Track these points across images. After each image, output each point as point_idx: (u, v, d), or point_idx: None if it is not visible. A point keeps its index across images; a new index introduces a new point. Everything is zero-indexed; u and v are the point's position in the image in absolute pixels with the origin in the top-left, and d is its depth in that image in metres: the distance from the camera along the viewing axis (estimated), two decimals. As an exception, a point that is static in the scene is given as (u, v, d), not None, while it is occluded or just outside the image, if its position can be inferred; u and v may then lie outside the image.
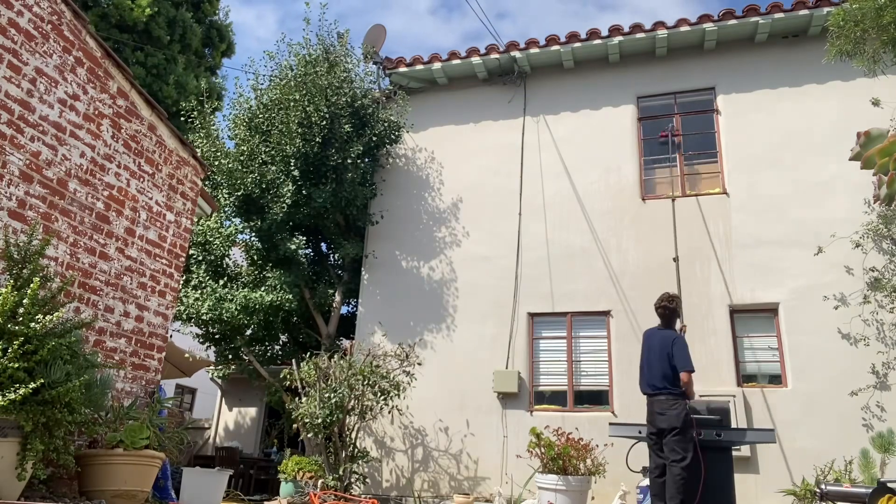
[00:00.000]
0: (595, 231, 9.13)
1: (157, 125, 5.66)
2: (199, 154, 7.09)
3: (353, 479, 7.95)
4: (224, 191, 9.63)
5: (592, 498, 6.78)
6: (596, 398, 8.54)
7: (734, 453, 5.96)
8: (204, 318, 9.29)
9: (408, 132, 10.46)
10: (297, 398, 7.98)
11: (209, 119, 10.11)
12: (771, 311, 8.24)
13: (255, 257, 10.14)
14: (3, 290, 3.39)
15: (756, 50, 9.31)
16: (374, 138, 9.87)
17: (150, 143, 5.56)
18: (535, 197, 9.59)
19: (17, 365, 3.19)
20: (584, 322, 8.87)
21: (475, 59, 10.07)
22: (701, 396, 7.20)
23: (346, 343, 10.02)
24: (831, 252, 8.00)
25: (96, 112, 4.98)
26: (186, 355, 10.13)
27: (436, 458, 8.72)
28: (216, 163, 9.55)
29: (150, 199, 5.54)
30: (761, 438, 6.24)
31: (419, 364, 8.40)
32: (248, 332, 10.08)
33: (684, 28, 9.24)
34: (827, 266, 8.04)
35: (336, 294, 10.17)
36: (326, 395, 7.62)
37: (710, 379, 7.89)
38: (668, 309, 5.83)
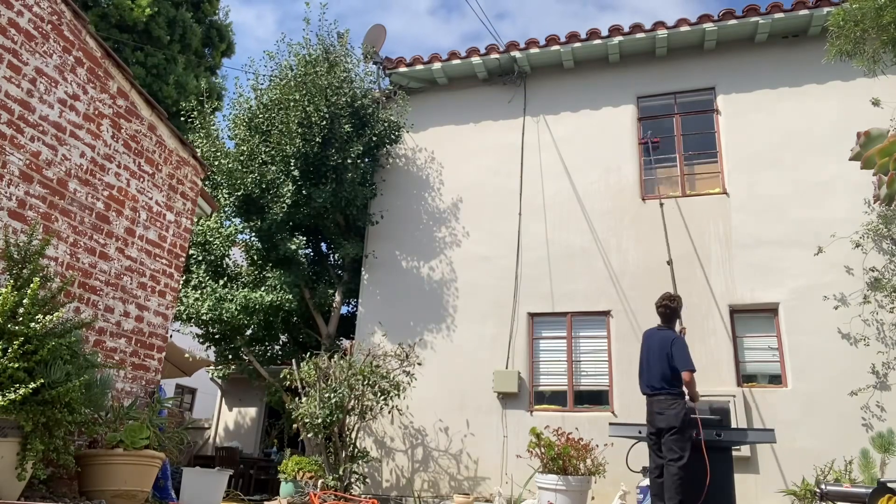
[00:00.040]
0: (595, 231, 9.13)
1: (157, 125, 5.66)
2: (199, 154, 7.09)
3: (353, 479, 7.95)
4: (224, 191, 9.63)
5: (592, 498, 6.78)
6: (596, 398, 8.54)
7: (734, 453, 5.95)
8: (204, 318, 9.29)
9: (408, 132, 10.46)
10: (297, 398, 7.98)
11: (209, 119, 10.11)
12: (771, 311, 8.24)
13: (255, 257, 10.14)
14: (3, 290, 3.39)
15: (756, 50, 9.31)
16: (374, 138, 9.87)
17: (150, 143, 5.56)
18: (535, 197, 9.59)
19: (17, 365, 3.19)
20: (584, 322, 8.87)
21: (475, 59, 10.07)
22: (701, 396, 7.19)
23: (346, 343, 10.02)
24: (831, 252, 8.00)
25: (96, 112, 4.98)
26: (186, 355, 10.13)
27: (436, 458, 8.72)
28: (216, 163, 9.55)
29: (150, 199, 5.54)
30: (761, 438, 6.24)
31: (419, 364, 8.40)
32: (248, 332, 10.08)
33: (684, 28, 9.24)
34: (827, 266, 8.04)
35: (336, 294, 10.17)
36: (326, 395, 7.62)
37: (710, 379, 7.89)
38: (670, 308, 5.82)
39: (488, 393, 8.71)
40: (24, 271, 3.60)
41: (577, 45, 9.68)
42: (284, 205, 9.21)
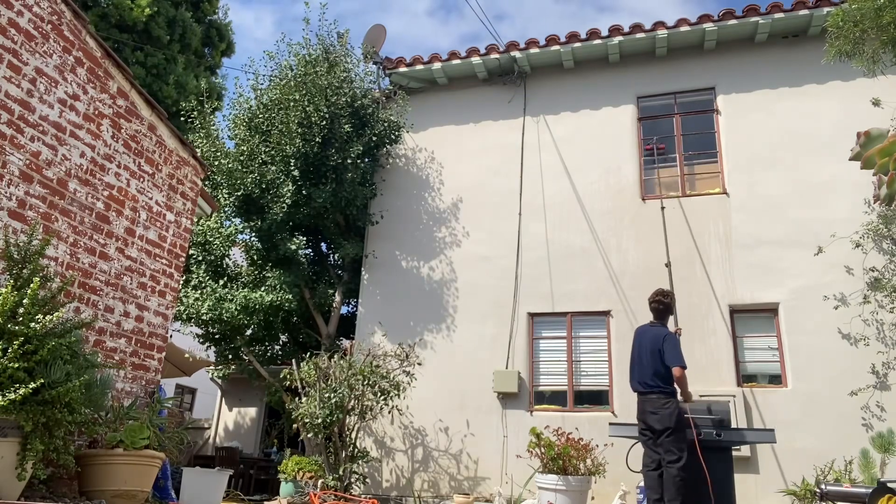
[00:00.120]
0: (595, 231, 9.13)
1: (157, 125, 5.66)
2: (199, 154, 7.09)
3: (353, 479, 7.95)
4: (224, 191, 9.63)
5: (592, 498, 6.78)
6: (596, 398, 8.54)
7: (734, 453, 5.95)
8: (204, 318, 9.29)
9: (408, 132, 10.46)
10: (297, 398, 7.98)
11: (209, 119, 10.11)
12: (771, 311, 8.24)
13: (255, 257, 10.13)
14: (3, 290, 3.39)
15: (756, 50, 9.31)
16: (374, 138, 9.87)
17: (150, 143, 5.56)
18: (535, 197, 9.59)
19: (17, 365, 3.19)
20: (584, 322, 8.87)
21: (475, 59, 10.07)
22: (701, 396, 7.20)
23: (346, 343, 10.02)
24: (831, 252, 8.00)
25: (96, 112, 4.98)
26: (186, 355, 10.13)
27: (436, 458, 8.72)
28: (216, 163, 9.55)
29: (150, 199, 5.54)
30: (761, 438, 6.24)
31: (419, 364, 8.40)
32: (248, 332, 10.08)
33: (684, 28, 9.24)
34: (827, 266, 8.04)
35: (336, 294, 10.17)
36: (326, 395, 7.62)
37: (710, 379, 7.89)
38: (663, 304, 5.78)
39: (488, 393, 8.72)
40: (24, 271, 3.60)
41: (577, 45, 9.68)
42: (284, 205, 9.21)
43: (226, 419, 15.24)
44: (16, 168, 4.22)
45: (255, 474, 12.17)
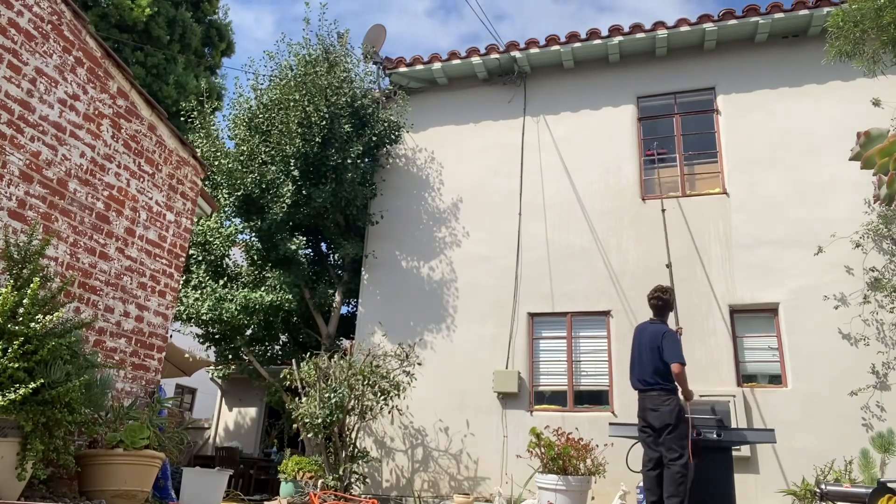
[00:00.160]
0: (595, 231, 9.13)
1: (157, 125, 5.66)
2: (199, 154, 7.09)
3: (353, 479, 7.95)
4: (224, 191, 9.63)
5: (592, 498, 6.78)
6: (596, 398, 8.54)
7: (734, 453, 5.95)
8: (204, 318, 9.29)
9: (408, 132, 10.46)
10: (297, 398, 7.98)
11: (209, 119, 10.11)
12: (771, 311, 8.24)
13: (255, 257, 10.13)
14: (3, 290, 3.39)
15: (756, 50, 9.31)
16: (374, 138, 9.87)
17: (150, 143, 5.56)
18: (535, 197, 9.59)
19: (17, 365, 3.19)
20: (584, 322, 8.87)
21: (475, 59, 10.07)
22: (701, 396, 7.19)
23: (346, 343, 10.02)
24: (831, 252, 8.00)
25: (96, 112, 4.98)
26: (186, 355, 10.13)
27: (436, 458, 8.72)
28: (216, 163, 9.55)
29: (150, 199, 5.54)
30: (761, 438, 6.24)
31: (419, 364, 8.40)
32: (248, 332, 10.08)
33: (684, 28, 9.24)
34: (827, 266, 8.04)
35: (336, 294, 10.17)
36: (326, 395, 7.62)
37: (710, 379, 7.89)
38: (662, 300, 5.74)
39: (488, 393, 8.71)
40: (24, 271, 3.60)
41: (577, 45, 9.68)
42: (284, 205, 9.21)
43: (226, 419, 15.24)
44: (16, 168, 4.23)
45: (255, 474, 12.17)
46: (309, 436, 7.93)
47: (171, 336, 5.90)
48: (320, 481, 7.44)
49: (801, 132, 8.75)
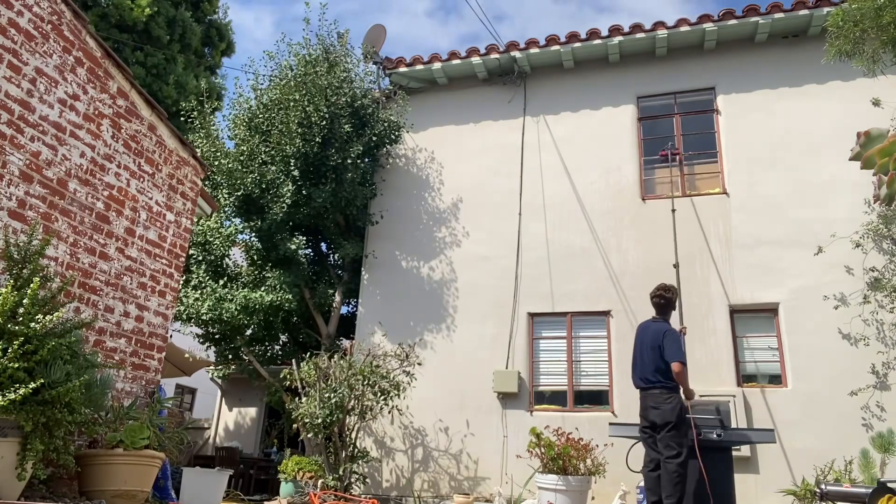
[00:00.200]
0: (595, 231, 9.13)
1: (157, 125, 5.66)
2: (199, 154, 7.09)
3: (353, 479, 7.95)
4: (224, 191, 9.63)
5: (592, 498, 6.78)
6: (596, 398, 8.54)
7: (734, 453, 5.95)
8: (204, 318, 9.29)
9: (408, 132, 10.46)
10: (297, 398, 7.98)
11: (209, 119, 10.11)
12: (771, 311, 8.24)
13: (255, 257, 10.13)
14: (3, 290, 3.39)
15: (756, 50, 9.31)
16: (374, 138, 9.87)
17: (150, 143, 5.56)
18: (535, 197, 9.59)
19: (17, 365, 3.19)
20: (584, 322, 8.87)
21: (475, 59, 10.07)
22: (701, 396, 7.19)
23: (346, 343, 10.02)
24: (831, 252, 8.00)
25: (96, 112, 4.98)
26: (186, 355, 10.13)
27: (436, 458, 8.72)
28: (216, 163, 9.55)
29: (150, 199, 5.54)
30: (761, 438, 6.23)
31: (419, 364, 8.40)
32: (248, 332, 10.08)
33: (684, 28, 9.24)
34: (827, 266, 8.04)
35: (336, 294, 10.17)
36: (326, 395, 7.62)
37: (710, 379, 7.89)
38: (664, 298, 5.72)
39: (488, 393, 8.71)
40: (24, 271, 3.60)
41: (577, 45, 9.68)
42: (284, 205, 9.21)
43: (226, 419, 15.24)
44: (16, 168, 4.23)
45: (255, 474, 12.17)
46: (309, 436, 7.93)
47: (171, 336, 5.90)
48: (320, 481, 7.44)
49: (801, 132, 8.75)
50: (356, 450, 8.04)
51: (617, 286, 8.75)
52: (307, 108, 9.27)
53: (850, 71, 8.24)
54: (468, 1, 36.30)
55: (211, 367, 12.58)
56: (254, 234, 9.93)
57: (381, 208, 10.23)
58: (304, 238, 9.89)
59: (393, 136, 10.12)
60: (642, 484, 6.26)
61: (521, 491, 7.79)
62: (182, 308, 9.22)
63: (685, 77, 9.56)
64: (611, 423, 6.27)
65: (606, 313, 8.74)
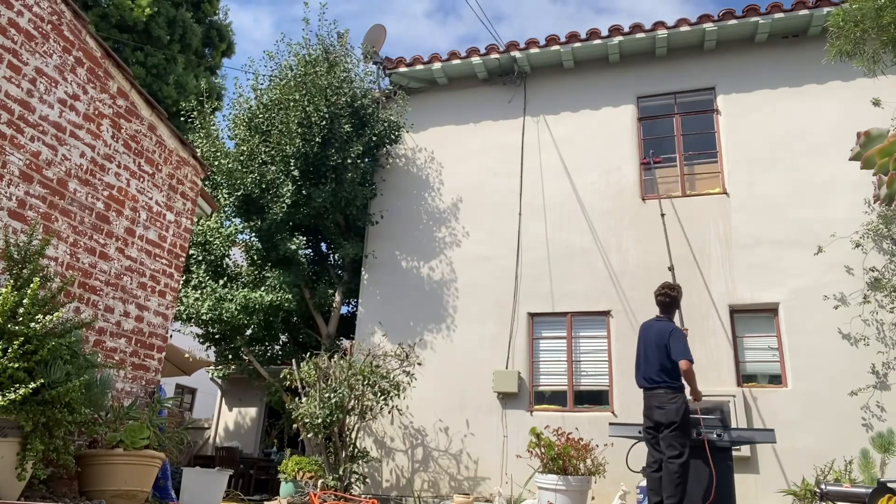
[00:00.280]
0: (595, 231, 9.13)
1: (157, 125, 5.66)
2: (199, 154, 7.09)
3: (353, 479, 7.95)
4: (224, 191, 9.63)
5: (592, 498, 6.78)
6: (596, 398, 8.54)
7: (734, 453, 5.95)
8: (204, 318, 9.29)
9: (408, 132, 10.46)
10: (297, 398, 7.98)
11: (209, 119, 10.11)
12: (771, 311, 8.24)
13: (255, 257, 10.13)
14: (3, 290, 3.39)
15: (756, 50, 9.31)
16: (374, 138, 9.87)
17: (150, 143, 5.56)
18: (535, 197, 9.59)
19: (17, 365, 3.19)
20: (584, 322, 8.87)
21: (475, 59, 10.07)
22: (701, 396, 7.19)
23: (346, 343, 10.02)
24: (831, 252, 8.00)
25: (96, 112, 4.98)
26: (186, 355, 10.13)
27: (436, 458, 8.72)
28: (216, 163, 9.55)
29: (150, 199, 5.54)
30: (762, 438, 6.24)
31: (419, 364, 8.40)
32: (248, 332, 10.08)
33: (684, 28, 9.24)
34: (827, 266, 8.04)
35: (336, 294, 10.17)
36: (326, 395, 7.62)
37: (710, 379, 7.89)
38: (670, 297, 5.66)
39: (488, 393, 8.71)
40: (24, 271, 3.60)
41: (577, 45, 9.68)
42: (284, 205, 9.21)
43: (226, 419, 15.24)
44: (16, 168, 4.23)
45: (255, 474, 12.18)
46: (309, 436, 7.93)
47: (171, 336, 5.90)
48: (320, 481, 7.44)
49: (801, 132, 8.75)
50: (356, 450, 8.04)
51: (617, 286, 8.75)
52: (307, 108, 9.27)
53: (850, 71, 8.24)
54: (468, 1, 36.30)
55: (211, 367, 12.58)
56: (254, 234, 9.93)
57: (381, 208, 10.23)
58: (304, 238, 9.89)
59: (393, 136, 10.12)
60: (642, 484, 6.26)
61: (521, 491, 7.79)
62: (182, 308, 9.22)
63: (685, 77, 9.56)
64: (611, 423, 6.26)
65: (606, 313, 8.74)
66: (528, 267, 9.24)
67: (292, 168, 9.31)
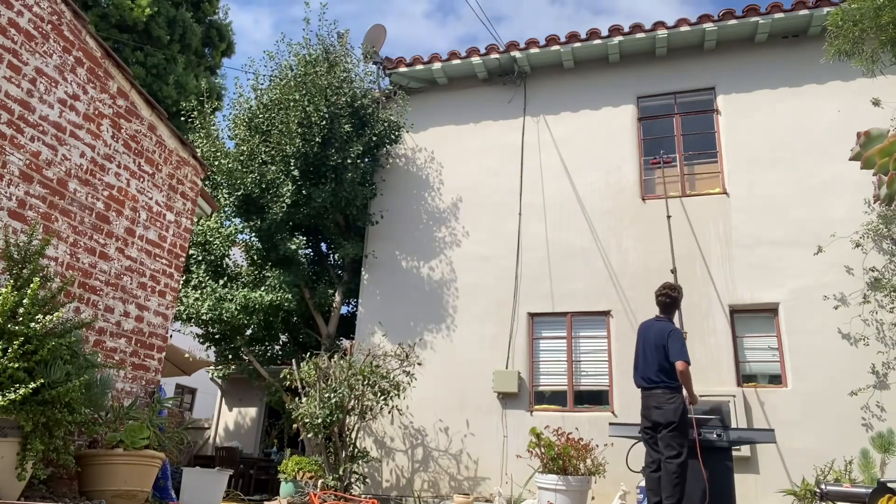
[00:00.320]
0: (595, 231, 9.13)
1: (157, 125, 5.66)
2: (199, 154, 7.09)
3: (353, 479, 7.95)
4: (224, 191, 9.63)
5: (592, 498, 6.78)
6: (596, 398, 8.54)
7: (734, 453, 5.95)
8: (204, 318, 9.29)
9: (408, 132, 10.46)
10: (297, 398, 7.98)
11: (209, 119, 10.11)
12: (771, 311, 8.24)
13: (255, 257, 10.13)
14: (3, 290, 3.39)
15: (756, 50, 9.31)
16: (374, 138, 9.87)
17: (150, 143, 5.56)
18: (535, 197, 9.59)
19: (17, 365, 3.19)
20: (584, 322, 8.87)
21: (475, 59, 10.07)
22: (701, 396, 7.19)
23: (346, 343, 10.02)
24: (831, 252, 8.01)
25: (96, 112, 4.98)
26: (186, 355, 10.13)
27: (436, 458, 8.72)
28: (216, 163, 9.55)
29: (150, 199, 5.54)
30: (761, 438, 6.23)
31: (419, 364, 8.40)
32: (248, 332, 10.08)
33: (684, 28, 9.24)
34: (827, 266, 8.04)
35: (336, 294, 10.17)
36: (326, 395, 7.62)
37: (710, 379, 7.89)
38: (670, 297, 5.64)
39: (488, 393, 8.72)
40: (24, 271, 3.60)
41: (577, 45, 9.68)
42: (284, 205, 9.21)
43: (226, 419, 15.24)
44: (16, 168, 4.23)
45: (255, 474, 12.17)
46: (309, 436, 7.93)
47: (171, 336, 5.90)
48: (320, 481, 7.44)
49: (801, 132, 8.75)
50: (356, 450, 8.04)
51: (617, 286, 8.75)
52: (307, 108, 9.27)
53: (849, 71, 8.24)
54: (468, 1, 36.30)
55: (211, 367, 12.58)
56: (254, 234, 9.93)
57: (381, 208, 10.23)
58: (304, 238, 9.89)
59: (393, 136, 10.12)
60: (642, 484, 6.26)
61: (521, 491, 7.79)
62: (182, 308, 9.22)
63: (685, 77, 9.56)
64: (611, 423, 6.26)
65: (606, 313, 8.74)
66: (528, 267, 9.24)
67: (292, 168, 9.31)
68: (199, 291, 9.47)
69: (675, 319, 5.99)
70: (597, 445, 6.66)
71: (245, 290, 9.39)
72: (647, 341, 5.52)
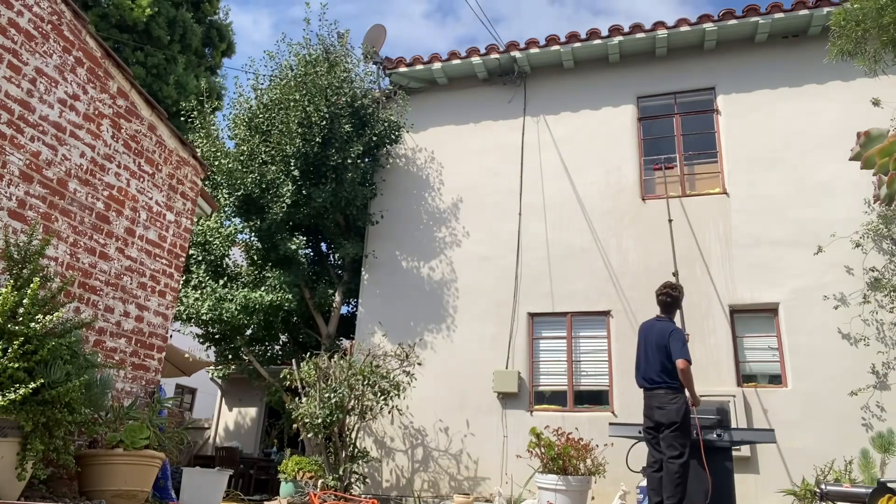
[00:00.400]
0: (595, 231, 9.13)
1: (157, 125, 5.66)
2: (199, 154, 7.09)
3: (353, 479, 7.95)
4: (224, 191, 9.63)
5: (592, 498, 6.78)
6: (596, 398, 8.54)
7: (734, 453, 5.95)
8: (204, 318, 9.29)
9: (408, 132, 10.46)
10: (297, 398, 7.98)
11: (209, 119, 10.11)
12: (771, 311, 8.24)
13: (255, 257, 10.13)
14: (3, 290, 3.39)
15: (756, 50, 9.31)
16: (374, 138, 9.87)
17: (150, 143, 5.56)
18: (535, 197, 9.58)
19: (17, 365, 3.19)
20: (584, 322, 8.87)
21: (475, 59, 10.07)
22: (701, 396, 7.18)
23: (346, 343, 10.02)
24: (831, 252, 8.00)
25: (96, 112, 4.98)
26: (186, 355, 10.13)
27: (436, 458, 8.72)
28: (216, 163, 9.55)
29: (150, 199, 5.54)
30: (761, 438, 6.23)
31: (419, 364, 8.40)
32: (248, 332, 10.08)
33: (684, 28, 9.24)
34: (827, 266, 8.04)
35: (336, 294, 10.17)
36: (326, 395, 7.62)
37: (710, 379, 7.89)
38: (671, 296, 5.63)
39: (488, 393, 8.71)
40: (24, 271, 3.60)
41: (577, 45, 9.68)
42: (284, 205, 9.21)
43: (226, 419, 15.24)
44: (16, 168, 4.22)
45: (255, 474, 12.17)
46: (309, 436, 7.93)
47: (171, 336, 5.90)
48: (320, 481, 7.44)
49: (801, 132, 8.75)
50: (356, 450, 8.04)
51: (617, 286, 8.75)
52: (307, 108, 9.27)
53: (850, 71, 8.24)
54: (468, 1, 36.30)
55: (211, 367, 12.58)
56: (254, 234, 9.93)
57: (381, 208, 10.23)
58: (304, 238, 9.89)
59: (393, 136, 10.12)
60: (642, 484, 6.26)
61: (521, 491, 7.79)
62: (182, 308, 9.22)
63: (685, 77, 9.56)
64: (611, 423, 6.25)
65: (606, 313, 8.74)
66: (528, 267, 9.24)
67: (292, 168, 9.31)
68: (199, 291, 9.47)
69: (677, 320, 5.99)
70: (597, 445, 6.66)
71: (245, 290, 9.39)
72: (649, 341, 5.51)
